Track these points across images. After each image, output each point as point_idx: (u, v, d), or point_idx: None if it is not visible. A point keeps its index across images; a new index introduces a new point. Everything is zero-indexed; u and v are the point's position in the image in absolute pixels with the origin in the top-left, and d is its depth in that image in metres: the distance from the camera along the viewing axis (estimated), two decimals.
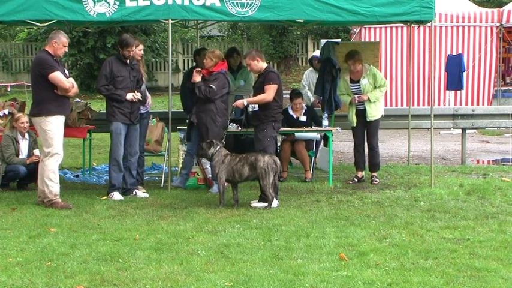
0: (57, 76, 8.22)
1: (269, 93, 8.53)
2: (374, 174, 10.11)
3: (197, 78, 9.12)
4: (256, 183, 8.71)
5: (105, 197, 8.85)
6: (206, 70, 9.21)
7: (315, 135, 10.60)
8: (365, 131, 10.10)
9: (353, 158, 10.38)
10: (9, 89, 20.86)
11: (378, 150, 10.26)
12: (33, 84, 8.56)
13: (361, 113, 9.98)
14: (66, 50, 8.57)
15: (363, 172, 10.16)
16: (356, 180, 10.06)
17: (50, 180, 8.34)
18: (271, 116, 8.65)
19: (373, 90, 9.94)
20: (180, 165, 9.88)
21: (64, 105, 8.48)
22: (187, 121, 9.51)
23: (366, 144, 10.18)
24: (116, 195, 8.82)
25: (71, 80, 8.52)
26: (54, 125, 8.35)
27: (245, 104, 8.73)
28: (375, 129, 10.10)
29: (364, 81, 9.97)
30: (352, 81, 10.04)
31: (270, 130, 8.67)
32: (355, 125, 10.05)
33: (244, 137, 9.60)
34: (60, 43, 8.33)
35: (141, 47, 9.28)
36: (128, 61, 8.88)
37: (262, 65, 8.65)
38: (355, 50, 10.26)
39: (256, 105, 8.72)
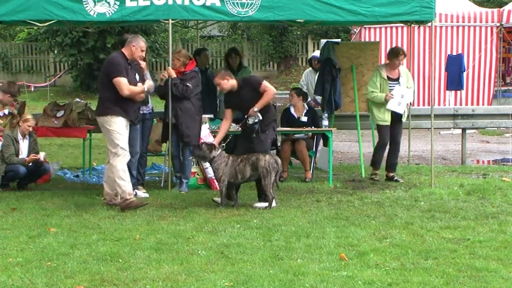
0: (120, 82, 8.13)
1: (268, 88, 8.47)
2: (393, 174, 10.18)
3: (173, 73, 9.18)
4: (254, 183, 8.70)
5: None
6: (177, 70, 9.28)
7: (303, 135, 10.52)
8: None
9: (353, 158, 10.37)
10: (32, 88, 20.88)
11: None
12: (100, 83, 8.54)
13: (393, 112, 9.93)
14: (144, 54, 8.53)
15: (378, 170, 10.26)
16: (376, 178, 10.10)
17: (122, 179, 8.16)
18: (271, 116, 8.64)
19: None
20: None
21: (128, 109, 8.31)
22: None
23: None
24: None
25: (146, 84, 8.48)
26: (118, 125, 8.20)
27: (256, 110, 8.40)
28: (401, 127, 10.23)
29: (403, 80, 9.97)
30: (390, 79, 9.97)
31: (271, 132, 8.68)
32: (389, 124, 9.98)
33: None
34: (138, 47, 8.30)
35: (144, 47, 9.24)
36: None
37: (233, 81, 8.55)
38: (399, 47, 10.47)
39: (259, 116, 8.54)
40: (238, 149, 8.66)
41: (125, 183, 8.18)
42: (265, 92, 8.44)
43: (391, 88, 9.91)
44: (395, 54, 9.92)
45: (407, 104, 10.10)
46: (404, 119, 10.17)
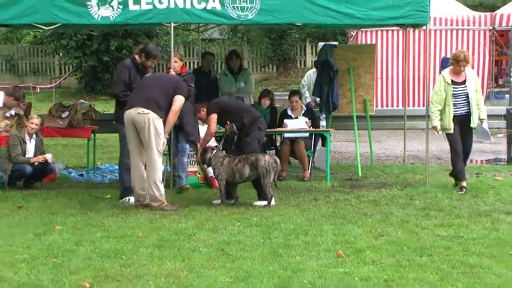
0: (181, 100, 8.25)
1: (209, 125, 8.62)
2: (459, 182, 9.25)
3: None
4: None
5: (120, 200, 8.64)
6: (176, 71, 9.31)
7: (305, 135, 10.51)
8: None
9: (350, 157, 10.32)
10: (38, 90, 20.91)
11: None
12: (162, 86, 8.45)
13: (463, 118, 9.05)
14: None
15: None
16: (465, 190, 8.98)
17: (160, 183, 8.10)
18: (251, 119, 8.61)
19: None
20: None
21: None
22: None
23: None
24: (132, 199, 8.41)
25: None
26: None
27: (228, 126, 8.55)
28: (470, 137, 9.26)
29: (470, 83, 9.07)
30: (454, 83, 9.05)
31: (256, 132, 8.65)
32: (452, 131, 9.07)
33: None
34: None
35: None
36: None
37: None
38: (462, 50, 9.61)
39: (233, 128, 8.60)
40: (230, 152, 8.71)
41: (161, 187, 8.13)
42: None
43: (454, 93, 9.01)
44: (455, 60, 9.04)
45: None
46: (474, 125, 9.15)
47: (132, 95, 8.32)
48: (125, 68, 8.71)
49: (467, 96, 9.02)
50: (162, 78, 8.89)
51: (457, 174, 9.28)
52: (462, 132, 9.13)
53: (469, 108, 9.04)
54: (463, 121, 9.07)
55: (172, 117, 8.26)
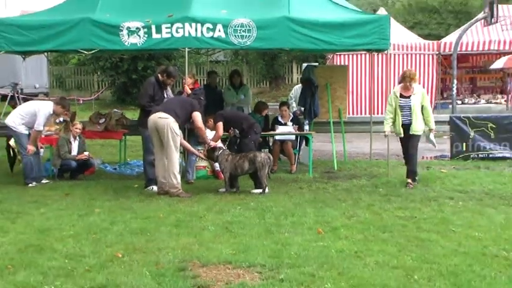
0: (199, 116, 8.27)
1: (217, 128, 8.62)
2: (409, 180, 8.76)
3: (189, 91, 9.17)
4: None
5: (145, 188, 8.58)
6: (190, 86, 9.29)
7: (291, 137, 10.51)
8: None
9: (327, 154, 10.25)
10: (81, 101, 20.83)
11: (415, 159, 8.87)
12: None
13: (407, 126, 8.66)
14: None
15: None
16: (411, 185, 8.61)
17: (177, 173, 8.05)
18: (249, 125, 8.70)
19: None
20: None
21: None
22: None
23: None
24: (155, 188, 8.40)
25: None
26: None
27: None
28: (417, 141, 8.77)
29: (416, 98, 8.60)
30: (402, 96, 8.66)
31: (253, 135, 8.68)
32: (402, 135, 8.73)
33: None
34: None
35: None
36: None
37: (211, 121, 8.72)
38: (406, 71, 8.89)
39: (236, 132, 8.69)
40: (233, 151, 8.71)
41: (178, 176, 8.09)
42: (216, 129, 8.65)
43: (400, 104, 8.64)
44: (402, 77, 8.70)
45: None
46: (416, 133, 8.71)
47: (155, 107, 8.31)
48: (150, 84, 8.73)
49: (410, 108, 8.59)
50: (182, 98, 8.87)
51: (408, 173, 8.82)
52: (407, 137, 8.70)
53: (411, 118, 8.59)
54: (406, 129, 8.65)
55: (200, 130, 8.34)
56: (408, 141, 8.74)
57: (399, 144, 9.13)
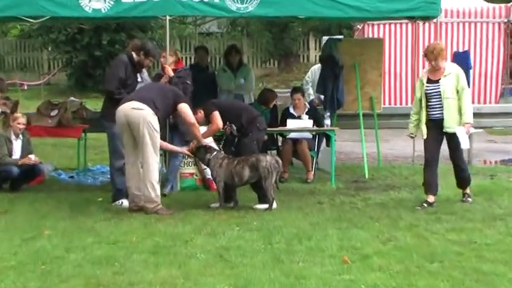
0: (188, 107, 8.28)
1: (214, 121, 8.51)
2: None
3: (171, 72, 9.15)
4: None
5: (112, 203, 8.61)
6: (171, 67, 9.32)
7: (307, 135, 10.54)
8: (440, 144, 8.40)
9: (356, 158, 10.32)
10: (25, 86, 20.94)
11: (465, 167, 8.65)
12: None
13: (437, 123, 8.29)
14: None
15: (435, 197, 8.46)
16: (425, 205, 8.31)
17: (157, 183, 8.09)
18: (249, 119, 8.62)
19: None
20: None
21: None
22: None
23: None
24: (126, 202, 8.38)
25: None
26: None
27: (228, 127, 8.55)
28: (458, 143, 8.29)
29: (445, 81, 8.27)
30: (429, 81, 8.38)
31: (255, 132, 8.65)
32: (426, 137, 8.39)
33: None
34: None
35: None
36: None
37: (201, 113, 8.62)
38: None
39: (233, 128, 8.61)
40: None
41: (158, 187, 8.12)
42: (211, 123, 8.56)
43: (427, 91, 8.32)
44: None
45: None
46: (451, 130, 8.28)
47: (127, 96, 8.29)
48: (121, 63, 8.67)
49: (440, 95, 8.23)
50: (162, 84, 8.87)
51: (424, 186, 8.54)
52: (436, 138, 8.34)
53: (443, 111, 8.23)
54: (437, 126, 8.29)
55: (192, 128, 8.32)
56: (439, 144, 8.34)
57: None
